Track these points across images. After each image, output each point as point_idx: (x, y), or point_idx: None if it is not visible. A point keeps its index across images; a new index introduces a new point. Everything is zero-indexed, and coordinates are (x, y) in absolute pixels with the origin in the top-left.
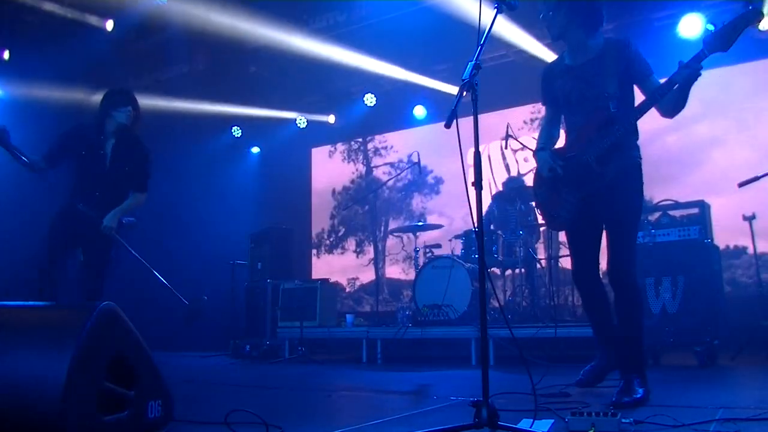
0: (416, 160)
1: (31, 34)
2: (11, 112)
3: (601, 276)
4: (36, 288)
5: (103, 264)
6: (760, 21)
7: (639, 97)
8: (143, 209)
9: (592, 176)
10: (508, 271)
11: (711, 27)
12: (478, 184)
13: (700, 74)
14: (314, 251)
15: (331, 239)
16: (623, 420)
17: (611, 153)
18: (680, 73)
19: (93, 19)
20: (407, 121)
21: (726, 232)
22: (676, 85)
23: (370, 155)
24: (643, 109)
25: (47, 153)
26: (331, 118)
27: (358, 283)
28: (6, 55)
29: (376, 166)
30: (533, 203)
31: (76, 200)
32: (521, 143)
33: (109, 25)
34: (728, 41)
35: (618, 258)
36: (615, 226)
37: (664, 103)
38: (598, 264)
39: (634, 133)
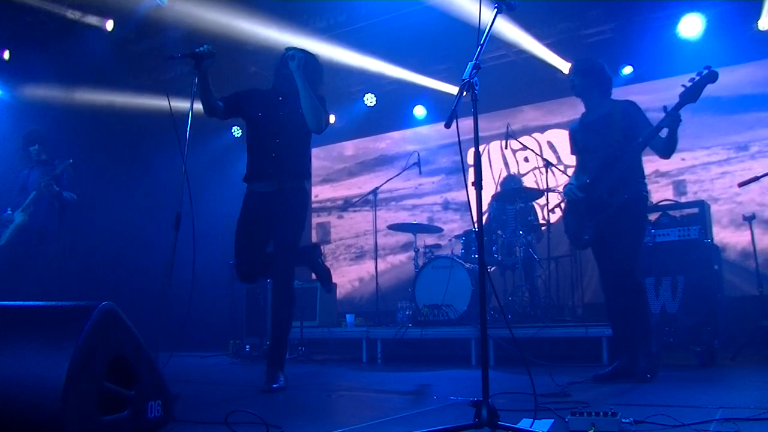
0: (416, 160)
1: (32, 34)
2: (12, 111)
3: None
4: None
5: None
6: (716, 80)
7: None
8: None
9: (603, 205)
10: (508, 271)
11: (686, 85)
12: (478, 184)
13: (680, 120)
14: None
15: (331, 239)
16: (623, 420)
17: (618, 187)
18: (665, 119)
19: (93, 20)
20: (407, 121)
21: (726, 232)
22: (665, 130)
23: (370, 155)
24: (639, 148)
25: (224, 101)
26: (331, 118)
27: (357, 283)
28: (6, 55)
29: (376, 166)
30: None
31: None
32: (521, 143)
33: (109, 25)
34: (696, 95)
35: (621, 265)
36: (620, 244)
37: (660, 146)
38: None
39: (639, 170)
